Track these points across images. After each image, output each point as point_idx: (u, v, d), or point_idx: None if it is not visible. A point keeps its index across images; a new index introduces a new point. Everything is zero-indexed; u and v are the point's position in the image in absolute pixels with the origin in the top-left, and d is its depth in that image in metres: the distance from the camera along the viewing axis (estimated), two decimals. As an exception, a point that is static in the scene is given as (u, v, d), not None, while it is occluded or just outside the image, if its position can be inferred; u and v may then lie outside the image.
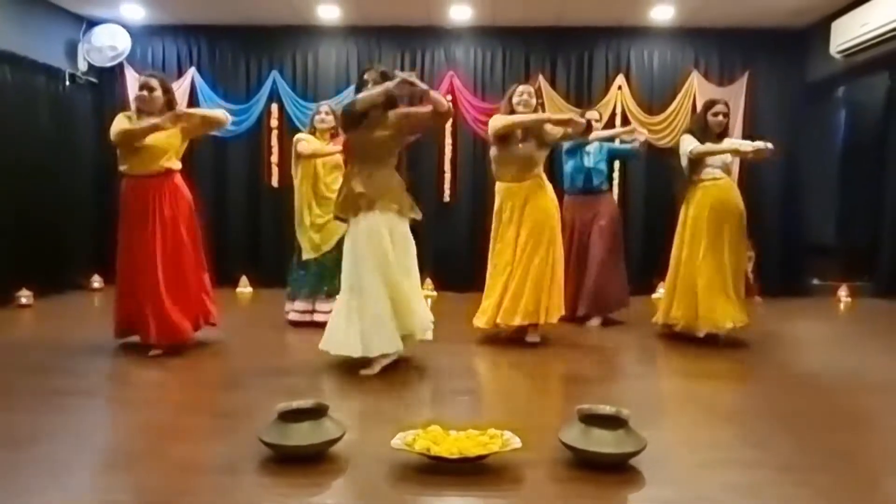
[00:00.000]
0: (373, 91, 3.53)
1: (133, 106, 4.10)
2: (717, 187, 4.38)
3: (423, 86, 3.59)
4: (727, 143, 4.45)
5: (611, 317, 5.14)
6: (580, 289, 5.05)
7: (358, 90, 3.70)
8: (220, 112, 4.15)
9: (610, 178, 5.46)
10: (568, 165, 5.20)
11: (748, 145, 4.38)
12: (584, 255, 5.11)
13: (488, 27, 6.83)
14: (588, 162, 5.13)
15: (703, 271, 4.32)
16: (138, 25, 6.77)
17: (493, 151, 4.34)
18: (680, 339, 4.50)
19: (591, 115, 5.27)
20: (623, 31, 6.79)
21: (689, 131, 4.51)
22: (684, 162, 4.46)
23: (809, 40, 6.66)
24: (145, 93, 3.88)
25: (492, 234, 4.40)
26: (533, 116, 4.22)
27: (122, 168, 3.97)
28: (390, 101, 3.63)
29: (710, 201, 4.36)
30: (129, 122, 3.88)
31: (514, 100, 4.24)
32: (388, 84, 3.52)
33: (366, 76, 3.67)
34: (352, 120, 3.59)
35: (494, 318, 4.25)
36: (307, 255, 4.82)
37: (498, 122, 4.22)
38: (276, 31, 6.87)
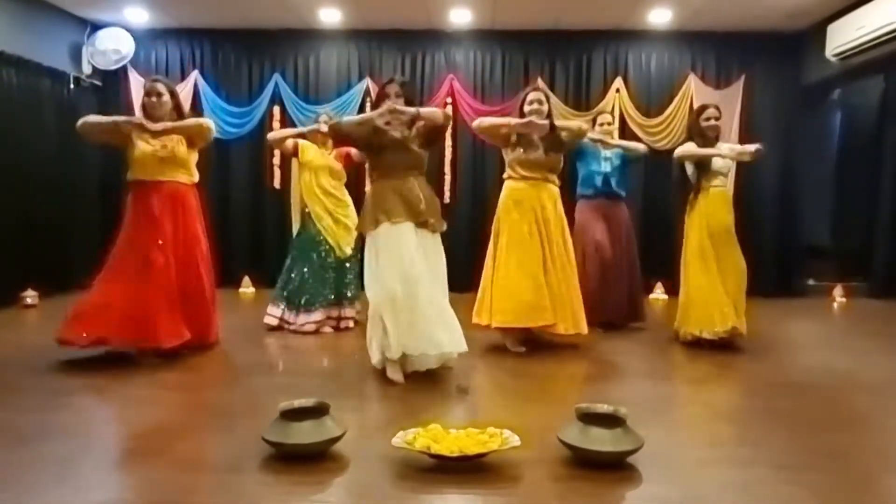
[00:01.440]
0: (355, 118, 3.59)
1: (139, 112, 4.05)
2: (721, 195, 4.50)
3: (411, 111, 3.55)
4: (719, 147, 4.50)
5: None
6: (606, 297, 4.95)
7: (377, 101, 3.69)
8: (197, 121, 3.99)
9: (627, 185, 5.37)
10: (585, 169, 5.13)
11: (731, 149, 4.47)
12: (598, 263, 4.99)
13: (488, 31, 6.88)
14: (607, 167, 5.09)
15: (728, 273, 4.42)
16: (142, 29, 6.83)
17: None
18: (677, 339, 4.53)
19: (605, 118, 5.29)
20: (621, 35, 6.84)
21: (690, 139, 4.56)
22: (690, 169, 4.53)
23: (805, 43, 6.70)
24: (154, 98, 3.84)
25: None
26: (501, 120, 4.28)
27: (128, 176, 3.92)
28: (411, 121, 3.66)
29: (714, 208, 4.46)
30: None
31: (526, 109, 4.21)
32: (372, 113, 3.54)
33: (387, 88, 3.62)
34: (337, 138, 3.75)
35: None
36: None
37: (478, 122, 4.33)
38: (278, 35, 6.92)
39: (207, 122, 4.01)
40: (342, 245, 4.83)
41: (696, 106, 6.59)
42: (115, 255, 3.85)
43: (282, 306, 4.83)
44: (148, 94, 3.87)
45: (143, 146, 3.80)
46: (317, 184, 4.80)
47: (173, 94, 3.94)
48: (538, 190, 4.25)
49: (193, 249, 3.94)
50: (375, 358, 3.56)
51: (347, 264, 4.88)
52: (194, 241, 3.96)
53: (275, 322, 4.82)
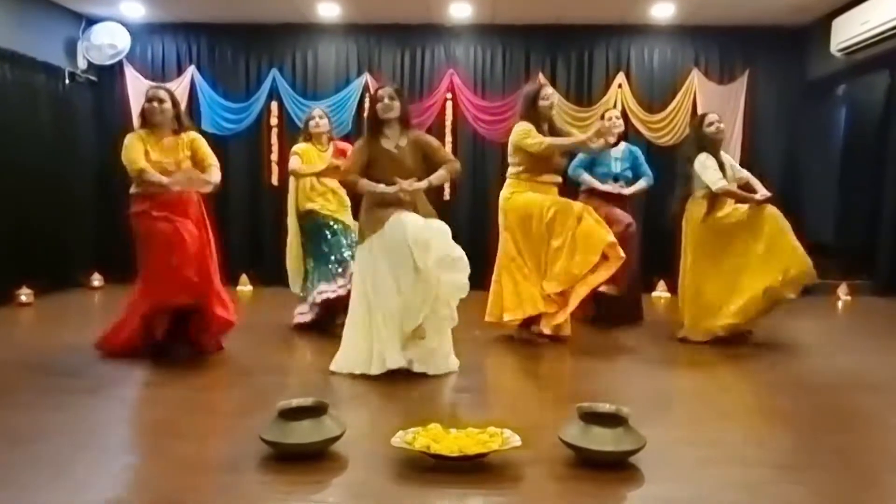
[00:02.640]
0: (373, 186, 3.59)
1: (136, 117, 4.01)
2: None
3: (422, 186, 3.62)
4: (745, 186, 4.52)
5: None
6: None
7: (372, 104, 3.69)
8: (217, 176, 4.03)
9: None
10: (595, 169, 5.03)
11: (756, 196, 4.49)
12: None
13: (488, 25, 6.83)
14: (616, 167, 5.03)
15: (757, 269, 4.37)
16: (138, 23, 6.76)
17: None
18: (679, 338, 4.51)
19: (612, 112, 5.24)
20: (623, 30, 6.78)
21: (702, 149, 4.43)
22: (709, 175, 4.39)
23: (810, 38, 6.65)
24: (155, 104, 3.82)
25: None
26: (566, 142, 4.24)
27: (133, 190, 3.87)
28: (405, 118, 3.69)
29: (724, 211, 4.45)
30: (142, 144, 3.79)
31: (542, 103, 4.23)
32: (386, 188, 3.56)
33: (381, 92, 3.66)
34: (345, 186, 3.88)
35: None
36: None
37: (532, 144, 4.19)
38: (276, 29, 6.86)
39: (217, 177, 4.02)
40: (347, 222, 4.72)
41: (700, 101, 6.60)
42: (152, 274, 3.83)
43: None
44: (150, 99, 3.85)
45: (158, 161, 3.80)
46: (319, 181, 4.69)
47: (175, 103, 3.95)
48: (549, 193, 4.30)
49: (207, 252, 3.93)
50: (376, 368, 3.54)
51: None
52: (207, 242, 3.94)
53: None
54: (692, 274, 4.47)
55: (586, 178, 4.99)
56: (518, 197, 4.30)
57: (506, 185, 4.41)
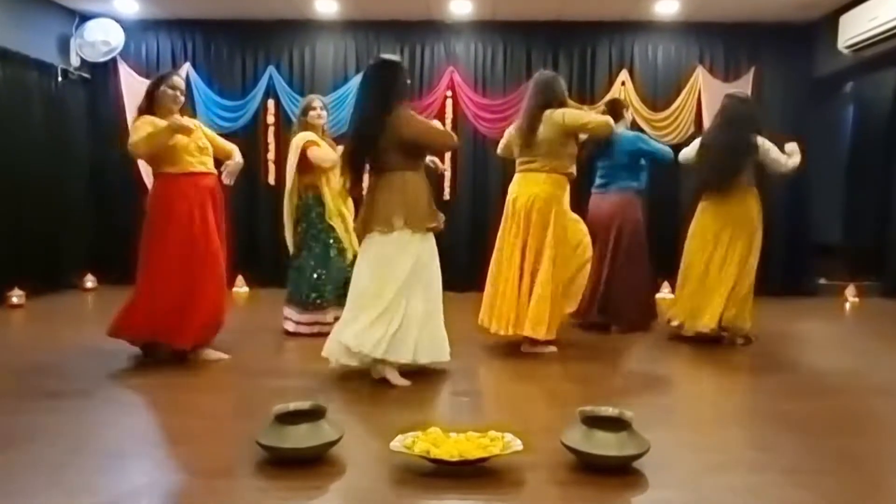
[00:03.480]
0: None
1: (139, 102, 3.89)
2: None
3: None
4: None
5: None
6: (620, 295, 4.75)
7: (403, 79, 3.50)
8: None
9: None
10: (647, 157, 4.79)
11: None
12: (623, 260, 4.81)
13: (489, 22, 6.74)
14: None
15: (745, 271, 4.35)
16: (132, 20, 6.67)
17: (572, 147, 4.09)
18: (683, 339, 4.44)
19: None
20: (627, 26, 6.69)
21: (759, 132, 4.31)
22: (778, 157, 4.28)
23: (817, 35, 6.57)
24: (178, 93, 3.80)
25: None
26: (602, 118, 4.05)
27: (161, 169, 3.80)
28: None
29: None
30: (152, 126, 3.69)
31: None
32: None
33: (405, 66, 3.58)
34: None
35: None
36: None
37: (596, 117, 4.04)
38: (273, 26, 6.77)
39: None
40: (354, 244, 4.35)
41: (704, 99, 6.49)
42: (162, 254, 3.76)
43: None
44: (172, 87, 3.80)
45: (179, 138, 3.73)
46: (336, 180, 4.40)
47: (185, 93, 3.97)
48: (567, 190, 4.16)
49: (219, 248, 3.90)
50: (407, 357, 3.38)
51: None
52: (221, 240, 3.92)
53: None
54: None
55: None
56: (563, 198, 4.07)
57: (545, 181, 4.00)
